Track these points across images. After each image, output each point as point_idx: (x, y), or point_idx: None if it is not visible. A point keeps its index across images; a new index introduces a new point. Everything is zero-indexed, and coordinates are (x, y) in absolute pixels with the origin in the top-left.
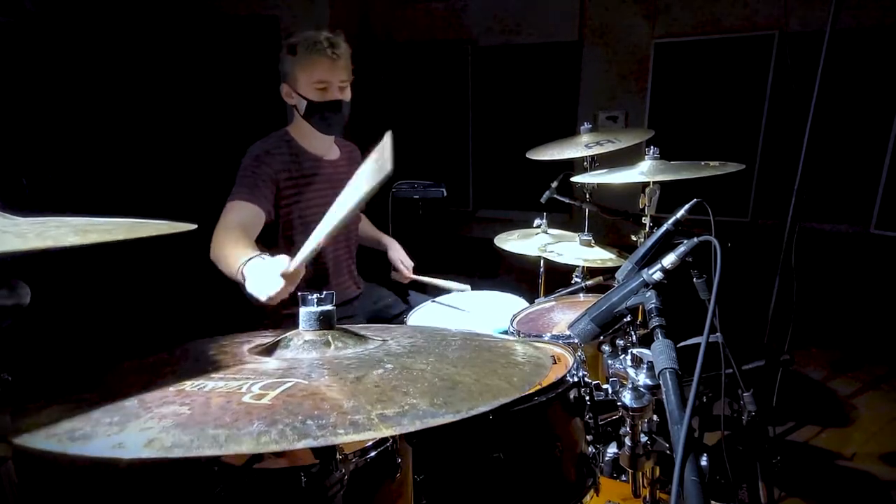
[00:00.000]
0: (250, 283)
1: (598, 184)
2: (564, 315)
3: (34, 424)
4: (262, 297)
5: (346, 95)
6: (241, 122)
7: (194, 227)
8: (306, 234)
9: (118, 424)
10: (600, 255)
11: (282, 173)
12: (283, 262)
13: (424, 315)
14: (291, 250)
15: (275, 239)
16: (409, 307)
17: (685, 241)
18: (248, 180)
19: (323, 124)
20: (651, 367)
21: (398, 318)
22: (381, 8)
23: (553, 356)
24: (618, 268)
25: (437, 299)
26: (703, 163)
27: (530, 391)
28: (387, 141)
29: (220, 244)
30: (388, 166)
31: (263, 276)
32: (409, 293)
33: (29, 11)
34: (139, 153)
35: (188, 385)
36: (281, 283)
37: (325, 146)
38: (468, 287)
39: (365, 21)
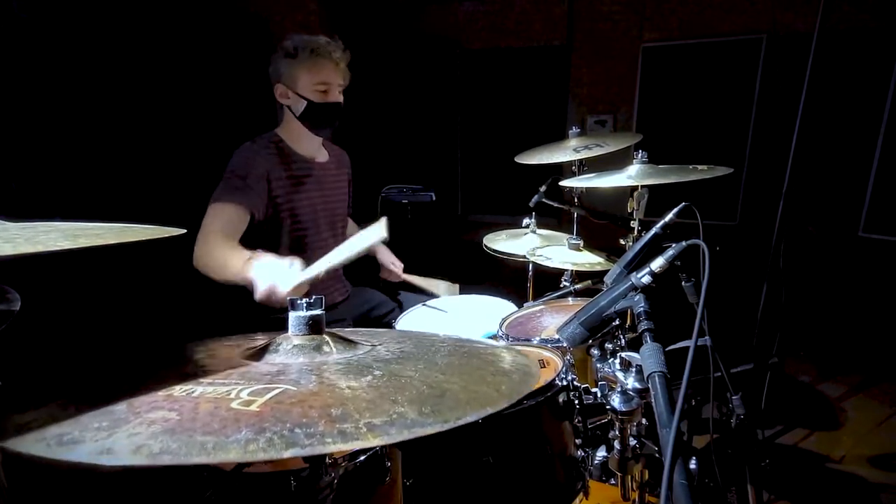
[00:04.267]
0: (266, 275)
1: (587, 187)
2: (553, 319)
3: (22, 428)
4: (286, 288)
5: (341, 99)
6: (229, 124)
7: (183, 231)
8: (295, 235)
9: (106, 429)
10: (589, 259)
11: (272, 173)
12: (295, 267)
13: (413, 319)
14: (278, 251)
15: (262, 239)
16: (397, 309)
17: (673, 245)
18: (235, 180)
19: (319, 125)
20: (640, 371)
21: (386, 320)
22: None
23: (542, 360)
24: (606, 272)
25: (428, 303)
26: (691, 166)
27: None
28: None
29: (208, 251)
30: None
31: (278, 271)
32: (399, 293)
33: (18, 17)
34: (130, 157)
35: (177, 389)
36: (296, 280)
37: (314, 148)
38: (456, 290)
39: (353, 22)
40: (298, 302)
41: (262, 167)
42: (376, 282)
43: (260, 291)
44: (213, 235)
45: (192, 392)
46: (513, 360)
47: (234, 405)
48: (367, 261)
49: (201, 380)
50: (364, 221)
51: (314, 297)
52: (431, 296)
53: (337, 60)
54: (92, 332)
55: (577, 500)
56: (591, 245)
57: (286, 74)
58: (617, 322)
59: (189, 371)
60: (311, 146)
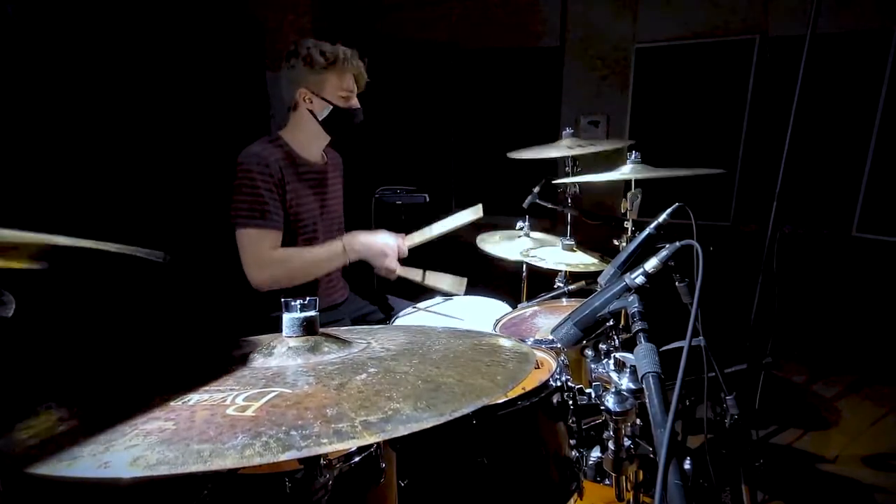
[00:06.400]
0: (371, 240)
1: (581, 188)
2: (547, 320)
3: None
4: (393, 244)
5: (359, 105)
6: (224, 124)
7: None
8: (300, 239)
9: (104, 443)
10: (583, 260)
11: (285, 177)
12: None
13: (407, 321)
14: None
15: None
16: (391, 314)
17: (667, 246)
18: (257, 200)
19: (340, 129)
20: (634, 371)
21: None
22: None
23: (536, 361)
24: (600, 272)
25: (419, 305)
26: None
27: (514, 396)
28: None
29: (278, 267)
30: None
31: (378, 237)
32: (388, 297)
33: (9, 17)
34: (124, 157)
35: (173, 399)
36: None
37: (317, 152)
38: (463, 285)
39: (347, 23)
40: (292, 303)
41: (275, 174)
42: (369, 290)
43: (388, 251)
44: (269, 260)
45: (188, 401)
46: (508, 349)
47: (229, 411)
48: (364, 267)
49: (196, 387)
50: (357, 223)
51: (308, 298)
52: (437, 293)
53: (359, 70)
54: (89, 335)
55: (572, 501)
56: (585, 246)
57: (313, 80)
58: (611, 323)
59: (184, 378)
60: (315, 150)
